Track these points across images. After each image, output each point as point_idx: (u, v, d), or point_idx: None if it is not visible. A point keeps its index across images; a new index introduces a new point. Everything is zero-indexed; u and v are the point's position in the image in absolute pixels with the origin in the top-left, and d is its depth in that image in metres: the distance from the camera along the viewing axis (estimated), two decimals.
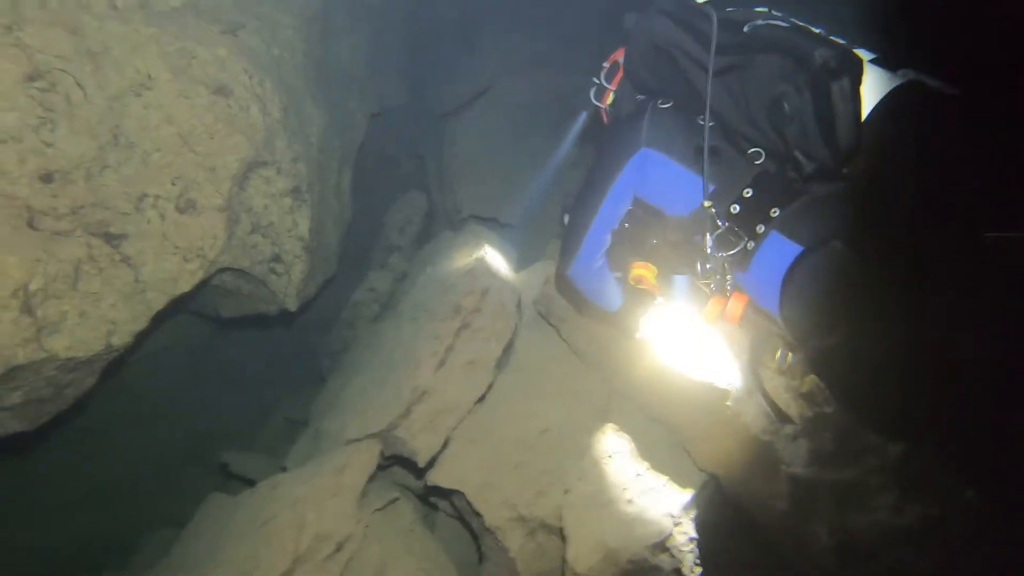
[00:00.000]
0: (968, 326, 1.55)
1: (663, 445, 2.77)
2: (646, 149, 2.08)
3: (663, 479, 2.66)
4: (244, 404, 4.07)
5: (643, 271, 2.26)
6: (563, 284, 2.41)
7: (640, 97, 2.28)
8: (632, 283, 2.32)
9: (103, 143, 2.52)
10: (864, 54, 1.84)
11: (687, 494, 2.61)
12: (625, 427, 2.83)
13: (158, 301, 2.80)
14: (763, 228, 1.85)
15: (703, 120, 1.90)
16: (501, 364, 3.07)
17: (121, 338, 2.68)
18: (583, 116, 2.74)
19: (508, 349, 3.09)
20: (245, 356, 4.14)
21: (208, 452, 3.79)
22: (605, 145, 2.28)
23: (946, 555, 1.97)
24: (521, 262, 3.70)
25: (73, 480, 3.46)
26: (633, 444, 2.77)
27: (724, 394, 2.48)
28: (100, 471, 3.57)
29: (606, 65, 2.43)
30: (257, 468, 3.44)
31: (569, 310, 3.07)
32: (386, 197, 4.71)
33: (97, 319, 2.56)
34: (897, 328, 1.61)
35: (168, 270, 2.82)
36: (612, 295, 2.38)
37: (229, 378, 4.11)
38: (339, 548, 2.59)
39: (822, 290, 1.73)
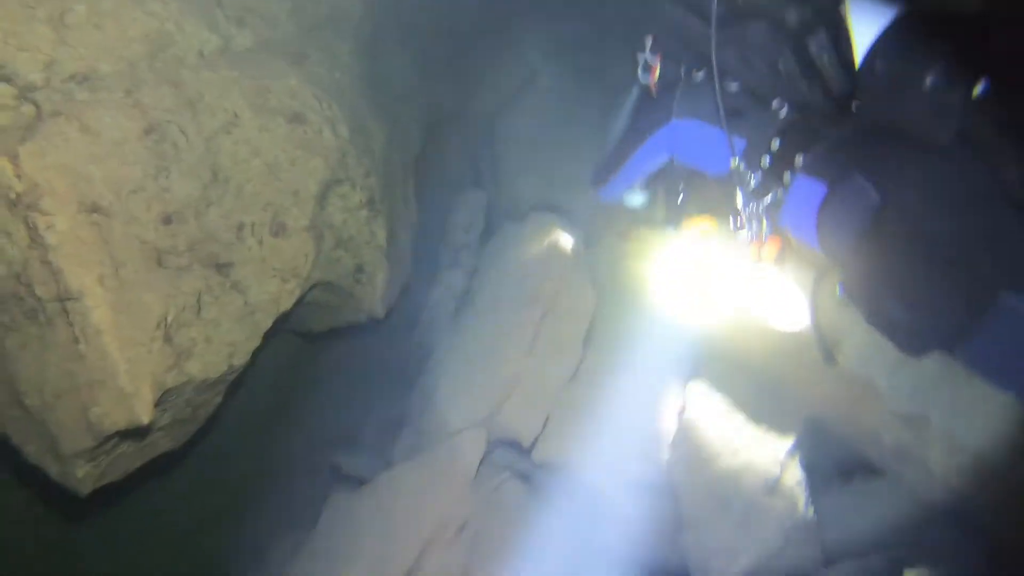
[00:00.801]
0: (984, 244, 1.64)
1: (759, 395, 2.86)
2: (676, 120, 2.31)
3: (764, 427, 2.77)
4: (342, 411, 4.31)
5: (703, 225, 2.46)
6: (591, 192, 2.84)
7: (683, 68, 2.45)
8: (695, 234, 2.52)
9: (206, 182, 2.75)
10: None
11: (790, 439, 2.71)
12: (718, 383, 2.94)
13: (265, 321, 3.03)
14: (791, 174, 2.01)
15: (729, 85, 2.09)
16: (586, 341, 3.22)
17: (240, 358, 2.91)
18: (635, 91, 2.89)
19: (591, 326, 3.24)
20: (336, 366, 4.38)
21: (317, 458, 4.03)
22: (645, 111, 2.53)
23: None
24: (588, 241, 3.82)
25: (205, 496, 3.75)
26: (730, 398, 2.89)
27: (812, 338, 2.57)
28: (226, 486, 3.85)
29: (648, 41, 2.60)
30: (367, 466, 3.65)
31: (648, 276, 3.19)
32: (445, 198, 4.88)
33: (219, 343, 2.79)
34: (917, 249, 1.73)
35: (270, 291, 3.04)
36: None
37: (324, 388, 4.35)
38: (462, 529, 2.78)
39: (850, 220, 1.86)
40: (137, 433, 2.42)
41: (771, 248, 2.22)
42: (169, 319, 2.52)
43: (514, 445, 2.99)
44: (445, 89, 5.08)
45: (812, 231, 2.01)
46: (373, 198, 3.59)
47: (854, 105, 1.87)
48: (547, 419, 2.97)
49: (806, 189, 1.99)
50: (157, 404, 2.48)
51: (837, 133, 1.95)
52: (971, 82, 1.64)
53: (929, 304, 1.76)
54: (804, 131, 1.99)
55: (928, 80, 1.64)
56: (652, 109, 2.50)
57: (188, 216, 2.70)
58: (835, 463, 2.71)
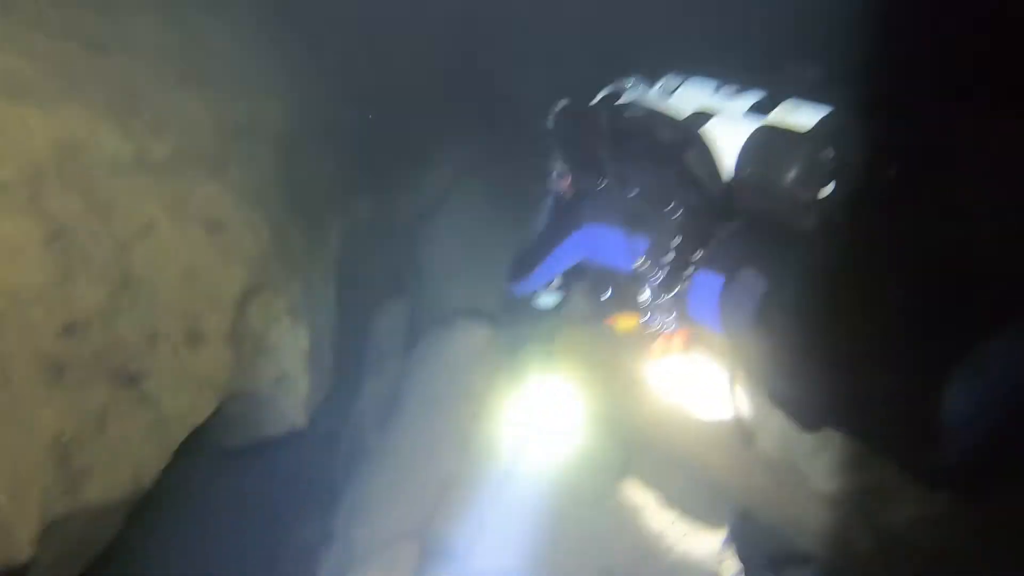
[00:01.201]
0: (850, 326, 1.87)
1: (689, 489, 2.86)
2: (587, 225, 2.54)
3: (698, 521, 2.75)
4: (259, 533, 3.98)
5: (625, 321, 2.65)
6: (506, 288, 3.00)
7: (591, 178, 2.66)
8: (617, 331, 2.68)
9: (115, 289, 2.63)
10: (750, 98, 2.22)
11: (724, 530, 2.70)
12: (650, 480, 2.92)
13: (178, 435, 2.84)
14: (691, 269, 2.22)
15: (630, 191, 2.36)
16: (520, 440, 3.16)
17: (147, 478, 2.69)
18: (550, 200, 3.07)
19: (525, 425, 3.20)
20: (253, 484, 4.08)
21: None
22: (560, 216, 2.77)
23: (972, 531, 2.12)
24: (516, 344, 3.84)
25: None
26: (661, 494, 2.87)
27: (733, 426, 2.63)
28: None
29: (556, 155, 2.87)
30: None
31: (584, 381, 3.23)
32: (366, 305, 4.84)
33: (125, 462, 2.58)
34: (796, 333, 1.95)
35: (184, 403, 2.87)
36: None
37: (240, 509, 4.03)
38: None
39: (744, 308, 2.07)
40: (12, 573, 2.14)
41: (679, 339, 2.36)
42: (66, 438, 2.32)
43: (449, 553, 2.83)
44: (364, 197, 5.17)
45: (716, 319, 2.18)
46: (295, 305, 3.52)
47: (735, 203, 2.10)
48: (482, 524, 2.85)
49: (706, 281, 2.19)
50: (42, 537, 2.22)
51: (727, 229, 2.19)
52: (821, 182, 1.93)
53: (811, 381, 1.92)
54: (699, 229, 2.23)
55: (787, 180, 1.94)
56: (566, 214, 2.72)
57: (94, 325, 2.56)
58: (767, 553, 2.70)
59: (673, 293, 2.29)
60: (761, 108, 2.16)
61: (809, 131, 1.99)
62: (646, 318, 2.46)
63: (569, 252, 2.69)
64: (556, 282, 2.97)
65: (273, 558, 3.93)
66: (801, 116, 2.05)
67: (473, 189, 5.20)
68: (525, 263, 2.85)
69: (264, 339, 3.34)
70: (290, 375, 3.49)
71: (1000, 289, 1.84)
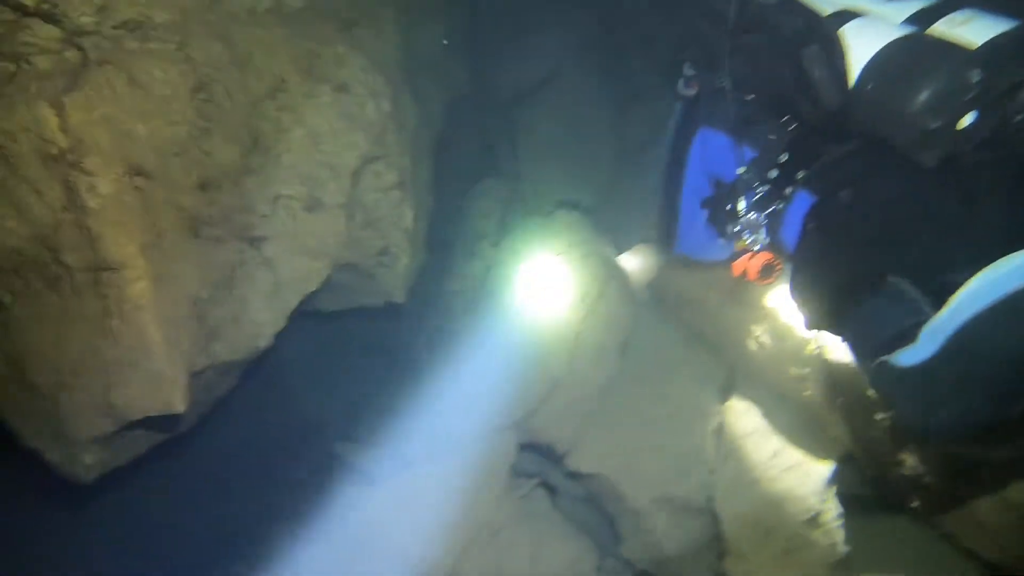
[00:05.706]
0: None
1: (794, 421, 2.82)
2: (703, 128, 2.30)
3: (801, 456, 2.73)
4: (340, 397, 4.12)
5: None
6: (673, 260, 2.62)
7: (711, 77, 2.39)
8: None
9: (246, 148, 2.54)
10: (918, 3, 1.82)
11: (828, 469, 2.68)
12: (753, 406, 2.89)
13: (292, 301, 2.85)
14: (791, 189, 2.01)
15: (745, 96, 2.08)
16: (622, 350, 3.13)
17: (265, 340, 2.73)
18: (679, 107, 2.80)
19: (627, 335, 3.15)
20: (337, 348, 4.19)
21: (312, 446, 3.85)
22: (678, 126, 2.44)
23: None
24: (618, 247, 3.72)
25: (204, 475, 3.53)
26: (765, 422, 2.84)
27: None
28: (213, 468, 3.64)
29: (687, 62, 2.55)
30: (372, 459, 3.50)
31: (685, 293, 3.12)
32: (458, 187, 4.71)
33: (247, 322, 2.61)
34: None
35: (300, 269, 2.86)
36: (719, 253, 2.47)
37: (323, 370, 4.15)
38: (495, 534, 2.67)
39: (826, 233, 1.89)
40: (166, 420, 2.22)
41: (756, 261, 2.18)
42: (204, 295, 2.32)
43: (546, 451, 2.89)
44: (465, 68, 4.88)
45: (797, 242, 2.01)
46: (404, 179, 3.41)
47: (850, 122, 1.84)
48: (582, 428, 2.87)
49: (801, 204, 1.98)
50: (186, 389, 2.28)
51: (839, 150, 1.93)
52: (958, 112, 1.57)
53: (823, 283, 1.84)
54: (809, 147, 1.99)
55: (915, 103, 1.59)
56: (682, 118, 2.41)
57: (226, 184, 2.49)
58: (874, 499, 2.70)
59: (769, 211, 2.09)
60: (925, 16, 1.75)
61: (971, 49, 1.57)
62: (737, 232, 2.26)
63: (697, 169, 2.37)
64: (729, 228, 2.35)
65: (354, 421, 4.08)
66: (973, 30, 1.61)
67: (576, 71, 4.86)
68: (667, 209, 2.44)
69: (374, 212, 3.27)
70: (392, 250, 3.44)
71: None
